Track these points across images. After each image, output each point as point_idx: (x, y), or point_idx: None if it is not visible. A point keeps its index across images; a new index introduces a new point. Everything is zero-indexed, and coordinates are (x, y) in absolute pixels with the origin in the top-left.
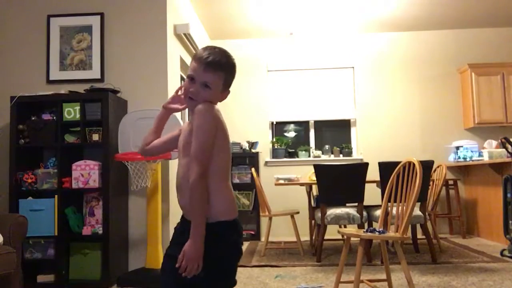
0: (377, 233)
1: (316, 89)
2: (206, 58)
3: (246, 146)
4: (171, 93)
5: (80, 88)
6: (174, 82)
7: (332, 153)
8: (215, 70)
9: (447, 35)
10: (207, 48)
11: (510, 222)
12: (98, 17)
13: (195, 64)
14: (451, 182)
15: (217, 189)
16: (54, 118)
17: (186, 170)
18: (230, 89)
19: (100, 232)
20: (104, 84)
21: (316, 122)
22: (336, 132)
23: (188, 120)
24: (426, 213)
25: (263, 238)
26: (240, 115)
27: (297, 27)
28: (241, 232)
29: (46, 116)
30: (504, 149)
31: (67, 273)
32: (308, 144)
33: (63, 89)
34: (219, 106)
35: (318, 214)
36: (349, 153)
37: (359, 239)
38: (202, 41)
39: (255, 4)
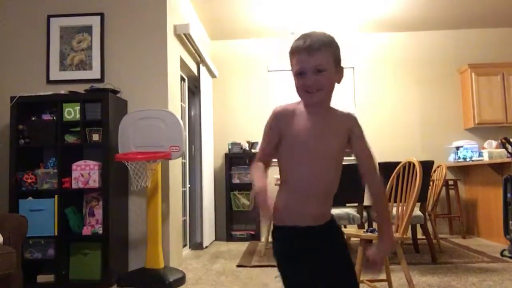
0: (377, 233)
1: None
2: (305, 43)
3: (246, 146)
4: (171, 93)
5: (80, 88)
6: (174, 82)
7: None
8: (321, 49)
9: (447, 35)
10: (299, 38)
11: (510, 222)
12: (98, 17)
13: (298, 56)
14: (451, 182)
15: None
16: (54, 118)
17: (335, 177)
18: (230, 89)
19: (100, 232)
20: (104, 84)
21: None
22: None
23: (309, 116)
24: (426, 213)
25: (263, 238)
26: (240, 115)
27: (298, 27)
28: None
29: (46, 116)
30: (504, 149)
31: (67, 273)
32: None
33: (63, 89)
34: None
35: None
36: (349, 153)
37: (359, 239)
38: (202, 41)
39: (255, 4)
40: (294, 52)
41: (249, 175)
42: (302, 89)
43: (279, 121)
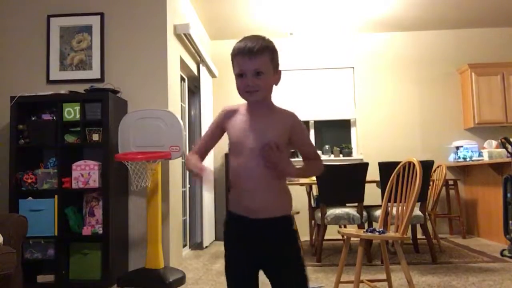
0: (377, 233)
1: (316, 89)
2: (246, 47)
3: None
4: (171, 93)
5: (80, 88)
6: (174, 82)
7: (332, 153)
8: (260, 54)
9: (447, 35)
10: (241, 41)
11: (510, 222)
12: (98, 17)
13: (239, 59)
14: (451, 182)
15: (286, 187)
16: (54, 118)
17: (266, 173)
18: (230, 89)
19: (100, 232)
20: (104, 84)
21: (316, 122)
22: (336, 132)
23: (249, 114)
24: (426, 213)
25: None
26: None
27: (297, 27)
28: None
29: (46, 116)
30: (504, 149)
31: (67, 273)
32: None
33: (63, 89)
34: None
35: (318, 214)
36: (349, 153)
37: (359, 239)
38: (202, 41)
39: (255, 4)
40: (236, 54)
41: (186, 163)
42: (242, 89)
43: (223, 118)
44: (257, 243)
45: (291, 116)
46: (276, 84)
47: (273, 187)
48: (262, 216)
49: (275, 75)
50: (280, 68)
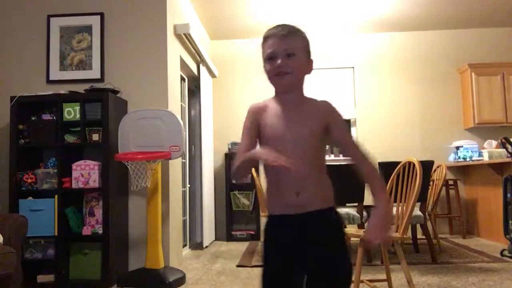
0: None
1: (316, 89)
2: (277, 30)
3: None
4: (171, 93)
5: (80, 88)
6: (174, 82)
7: (332, 153)
8: (292, 35)
9: (447, 35)
10: (272, 27)
11: (510, 222)
12: (98, 17)
13: (270, 41)
14: (451, 182)
15: (328, 180)
16: (54, 118)
17: (309, 165)
18: (230, 89)
19: (100, 232)
20: (104, 84)
21: None
22: None
23: (280, 106)
24: (426, 213)
25: (263, 238)
26: (240, 115)
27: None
28: None
29: (46, 116)
30: (504, 149)
31: (67, 273)
32: None
33: (63, 89)
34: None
35: None
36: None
37: (359, 239)
38: (202, 41)
39: (255, 4)
40: (267, 38)
41: (235, 166)
42: (272, 73)
43: (255, 116)
44: (303, 241)
45: (325, 103)
46: (309, 72)
47: (315, 178)
48: (307, 209)
49: (308, 64)
50: (312, 60)
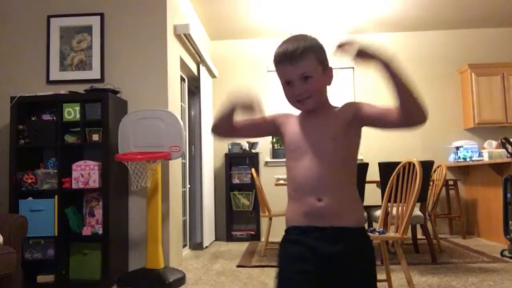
0: (377, 233)
1: None
2: (286, 53)
3: (246, 146)
4: (171, 93)
5: (80, 88)
6: (174, 82)
7: None
8: (304, 56)
9: (447, 35)
10: (281, 45)
11: (510, 222)
12: (98, 17)
13: (282, 66)
14: (451, 182)
15: (357, 195)
16: (54, 118)
17: (332, 170)
18: (229, 89)
19: (100, 232)
20: (104, 84)
21: None
22: None
23: (305, 118)
24: (426, 213)
25: (263, 238)
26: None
27: (297, 27)
28: None
29: (46, 116)
30: (504, 149)
31: (67, 273)
32: None
33: (63, 89)
34: None
35: None
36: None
37: None
38: (202, 41)
39: (255, 4)
40: (278, 62)
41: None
42: (292, 99)
43: (279, 118)
44: (324, 262)
45: (348, 103)
46: (329, 84)
47: (342, 189)
48: (332, 223)
49: (326, 75)
50: (330, 67)
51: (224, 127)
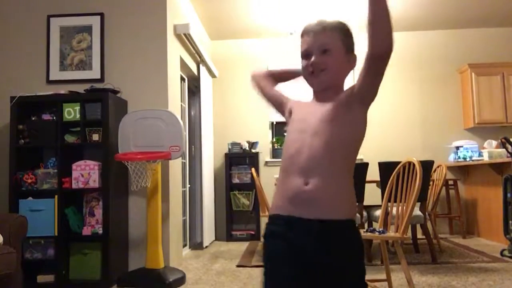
0: (377, 233)
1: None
2: (313, 25)
3: (246, 146)
4: (171, 93)
5: (80, 88)
6: (174, 82)
7: None
8: (327, 30)
9: (447, 35)
10: (311, 22)
11: (510, 222)
12: (98, 17)
13: (305, 37)
14: (451, 182)
15: (351, 185)
16: (54, 118)
17: (325, 152)
18: (230, 89)
19: (100, 232)
20: (104, 84)
21: None
22: None
23: (312, 102)
24: (426, 213)
25: (263, 238)
26: (240, 115)
27: (297, 27)
28: None
29: (46, 116)
30: (504, 149)
31: (67, 273)
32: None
33: (63, 89)
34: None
35: None
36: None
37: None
38: (202, 41)
39: (255, 4)
40: (303, 33)
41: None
42: (307, 70)
43: (292, 103)
44: (311, 257)
45: (349, 87)
46: (351, 68)
47: (333, 174)
48: (319, 215)
49: (348, 58)
50: (355, 55)
51: (255, 82)
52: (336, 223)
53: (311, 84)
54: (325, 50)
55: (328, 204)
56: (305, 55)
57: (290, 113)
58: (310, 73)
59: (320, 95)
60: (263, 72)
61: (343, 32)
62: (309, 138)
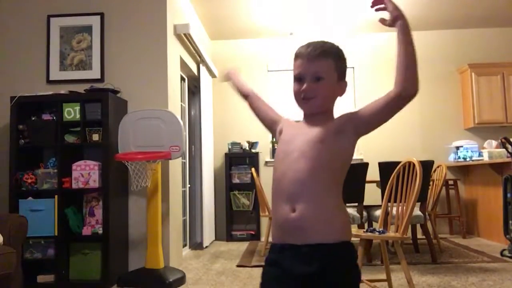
0: (377, 233)
1: None
2: (308, 49)
3: (246, 146)
4: (171, 93)
5: (80, 88)
6: (174, 82)
7: None
8: (321, 57)
9: (447, 35)
10: (304, 44)
11: (510, 222)
12: (98, 17)
13: (299, 61)
14: (451, 182)
15: (340, 205)
16: (54, 118)
17: (312, 175)
18: (230, 89)
19: (100, 232)
20: (104, 84)
21: None
22: None
23: (302, 124)
24: (426, 213)
25: (263, 238)
26: (240, 115)
27: (297, 27)
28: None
29: (46, 116)
30: (504, 149)
31: (67, 273)
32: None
33: (63, 89)
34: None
35: None
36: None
37: (359, 239)
38: (202, 41)
39: (255, 4)
40: (297, 56)
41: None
42: (298, 95)
43: (283, 122)
44: (304, 283)
45: (344, 114)
46: (340, 95)
47: (321, 197)
48: (310, 239)
49: (339, 85)
50: (346, 81)
51: (242, 98)
52: (327, 247)
53: (301, 108)
54: (319, 78)
55: (317, 230)
56: (298, 79)
57: (281, 132)
58: (301, 99)
59: (309, 118)
60: (239, 83)
61: (337, 59)
62: (294, 161)
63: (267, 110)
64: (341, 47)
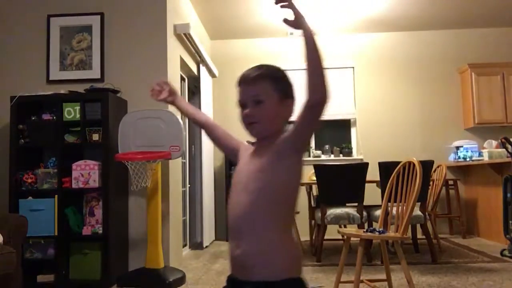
0: (377, 233)
1: None
2: (244, 75)
3: None
4: None
5: (80, 88)
6: (174, 82)
7: (332, 153)
8: (258, 80)
9: (447, 35)
10: (247, 69)
11: (510, 222)
12: (98, 17)
13: (239, 88)
14: (451, 182)
15: (287, 238)
16: (54, 118)
17: (251, 210)
18: (230, 89)
19: (100, 232)
20: (104, 84)
21: None
22: (336, 132)
23: (251, 152)
24: (426, 213)
25: None
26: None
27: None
28: None
29: (46, 116)
30: (504, 149)
31: (67, 273)
32: (308, 144)
33: (63, 89)
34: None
35: (318, 214)
36: (349, 153)
37: (359, 239)
38: (202, 41)
39: (255, 4)
40: (238, 83)
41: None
42: (244, 121)
43: (241, 147)
44: None
45: (283, 135)
46: (287, 115)
47: (265, 233)
48: (253, 277)
49: (283, 104)
50: (292, 99)
51: (192, 122)
52: (271, 285)
53: (249, 133)
54: (258, 101)
55: (260, 268)
56: (241, 105)
57: (238, 157)
58: (247, 124)
59: (259, 143)
60: (190, 108)
61: (274, 79)
62: (237, 195)
63: (227, 139)
64: (279, 68)
